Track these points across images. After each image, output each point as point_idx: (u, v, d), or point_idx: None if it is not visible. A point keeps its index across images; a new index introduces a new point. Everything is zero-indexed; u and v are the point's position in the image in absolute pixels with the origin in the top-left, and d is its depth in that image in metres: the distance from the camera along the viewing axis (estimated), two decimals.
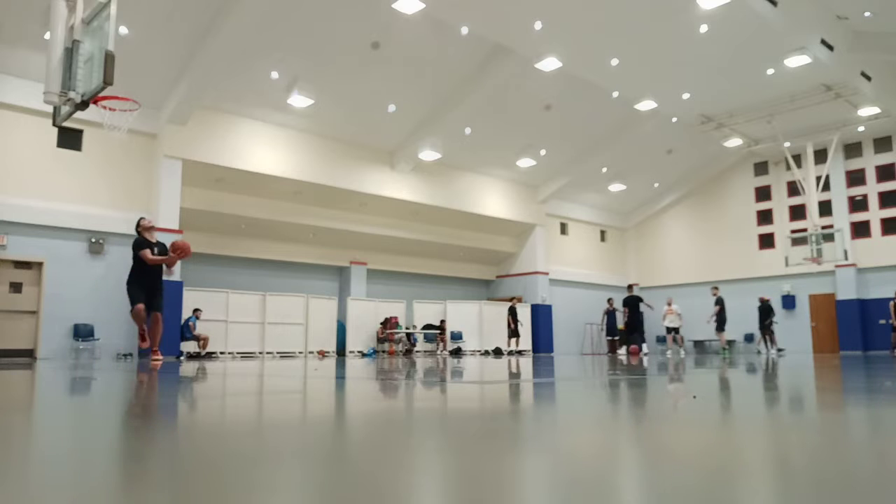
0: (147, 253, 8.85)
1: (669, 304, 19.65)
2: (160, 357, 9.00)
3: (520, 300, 22.87)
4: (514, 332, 20.90)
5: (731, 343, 25.27)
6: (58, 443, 1.57)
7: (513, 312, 21.09)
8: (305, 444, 1.53)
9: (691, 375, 5.33)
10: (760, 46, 16.32)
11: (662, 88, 18.81)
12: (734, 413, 2.45)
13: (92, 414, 2.36)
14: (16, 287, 13.98)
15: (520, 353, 21.20)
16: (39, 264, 14.18)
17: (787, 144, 21.62)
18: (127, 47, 11.90)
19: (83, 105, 7.80)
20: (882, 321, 20.00)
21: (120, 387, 3.94)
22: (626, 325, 19.03)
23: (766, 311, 20.04)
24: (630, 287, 19.55)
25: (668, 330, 19.44)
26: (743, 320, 25.02)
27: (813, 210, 21.00)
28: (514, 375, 5.56)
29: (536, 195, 24.04)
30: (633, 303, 18.83)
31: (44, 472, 1.17)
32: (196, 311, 15.76)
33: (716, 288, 19.94)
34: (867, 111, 20.39)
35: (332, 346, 18.89)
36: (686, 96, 19.41)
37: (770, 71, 17.77)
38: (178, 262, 9.58)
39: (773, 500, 0.98)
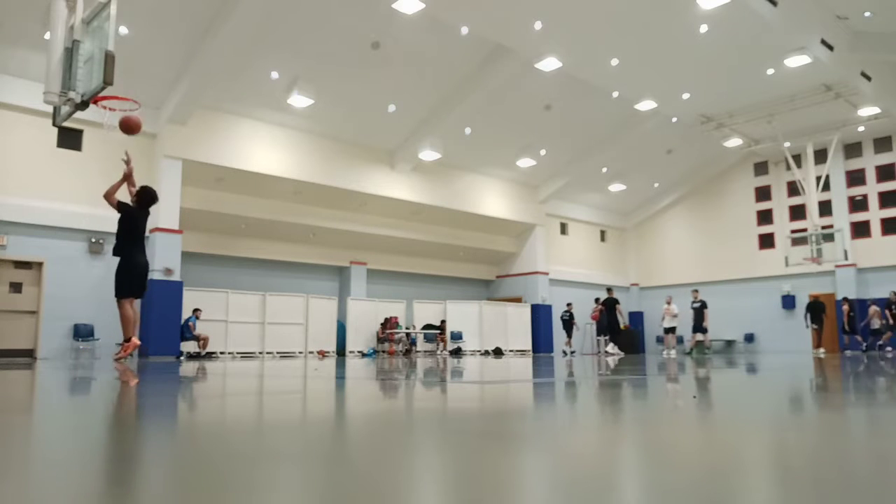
0: None
1: (668, 304, 19.56)
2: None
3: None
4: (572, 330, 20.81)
5: (730, 343, 25.31)
6: (56, 443, 1.57)
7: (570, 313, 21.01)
8: (305, 444, 1.53)
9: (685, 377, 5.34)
10: (760, 46, 16.32)
11: (662, 88, 18.81)
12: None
13: (91, 414, 2.36)
14: (16, 287, 13.98)
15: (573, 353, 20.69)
16: (39, 264, 14.18)
17: (787, 144, 21.61)
18: (127, 47, 11.89)
19: (83, 105, 7.80)
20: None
21: (120, 387, 3.93)
22: (608, 325, 19.06)
23: (818, 308, 19.85)
24: (609, 290, 19.46)
25: (666, 330, 19.38)
26: (744, 320, 25.05)
27: (813, 210, 20.99)
28: (514, 376, 5.57)
29: (536, 195, 24.04)
30: (610, 304, 18.82)
31: (42, 472, 1.17)
32: (196, 311, 15.75)
33: (696, 290, 19.86)
34: (867, 111, 20.39)
35: (332, 347, 18.89)
36: (686, 96, 19.41)
37: (770, 71, 17.77)
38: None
39: (770, 497, 0.98)
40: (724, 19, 14.86)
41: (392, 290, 21.90)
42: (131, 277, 8.14)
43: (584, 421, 2.12)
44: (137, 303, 8.65)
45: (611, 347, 18.44)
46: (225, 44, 13.51)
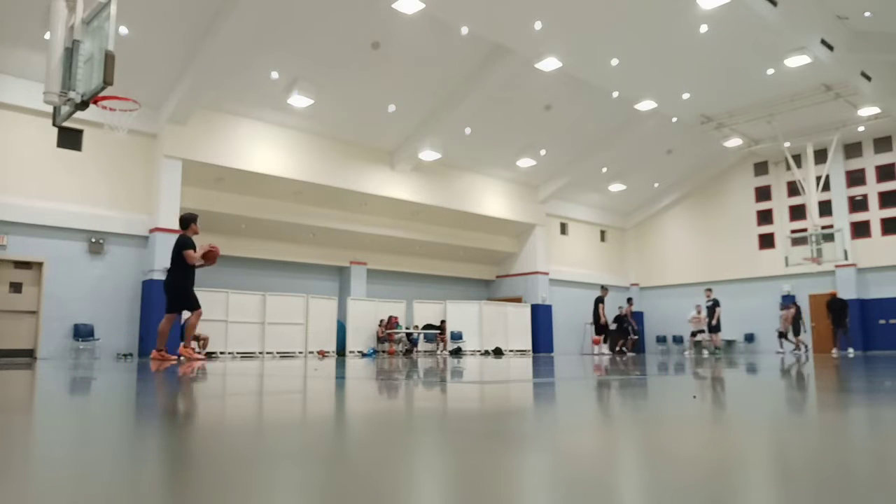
0: (192, 253, 9.25)
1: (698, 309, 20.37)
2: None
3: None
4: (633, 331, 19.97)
5: (730, 343, 25.31)
6: (57, 443, 1.57)
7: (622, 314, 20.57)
8: (305, 444, 1.53)
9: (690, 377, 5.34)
10: (760, 46, 16.33)
11: (662, 88, 18.81)
12: (728, 412, 2.44)
13: (92, 414, 2.36)
14: (16, 287, 13.98)
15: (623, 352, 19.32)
16: (39, 264, 14.18)
17: (787, 144, 21.62)
18: (127, 47, 11.90)
19: (83, 105, 7.81)
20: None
21: (120, 387, 3.94)
22: (593, 322, 18.97)
23: (841, 306, 19.67)
24: (603, 288, 19.34)
25: (696, 332, 20.09)
26: (743, 320, 25.04)
27: (813, 210, 21.00)
28: (515, 376, 5.57)
29: (536, 195, 24.04)
30: (596, 301, 18.74)
31: (44, 472, 1.17)
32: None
33: (709, 289, 19.98)
34: (867, 111, 20.40)
35: (332, 347, 18.89)
36: (686, 96, 19.42)
37: (770, 71, 17.78)
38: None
39: (773, 499, 0.97)
40: (724, 19, 14.87)
41: (392, 290, 21.91)
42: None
43: (585, 421, 2.12)
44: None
45: (604, 348, 18.20)
46: (225, 44, 13.51)
